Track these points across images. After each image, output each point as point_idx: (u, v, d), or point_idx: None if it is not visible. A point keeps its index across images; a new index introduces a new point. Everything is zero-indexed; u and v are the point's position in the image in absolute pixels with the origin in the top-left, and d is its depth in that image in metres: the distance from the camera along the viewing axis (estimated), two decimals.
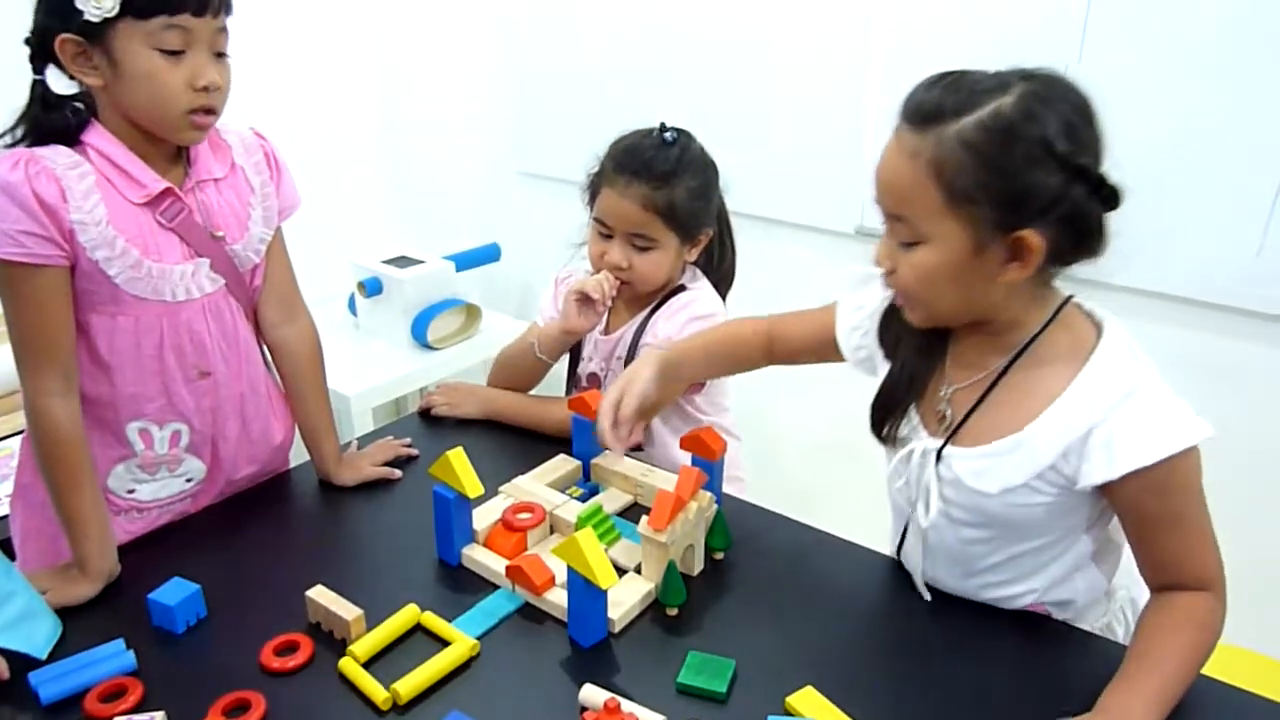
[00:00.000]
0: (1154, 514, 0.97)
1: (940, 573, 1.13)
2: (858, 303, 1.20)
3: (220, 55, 1.15)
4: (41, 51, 1.11)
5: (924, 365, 1.09)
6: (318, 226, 2.50)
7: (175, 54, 1.10)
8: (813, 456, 2.50)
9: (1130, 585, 1.13)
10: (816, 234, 2.27)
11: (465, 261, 2.66)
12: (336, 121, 2.67)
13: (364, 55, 2.74)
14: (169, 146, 1.19)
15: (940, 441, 1.05)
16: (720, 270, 1.60)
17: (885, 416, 1.11)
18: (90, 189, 1.12)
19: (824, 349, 1.25)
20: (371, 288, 2.45)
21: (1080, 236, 0.91)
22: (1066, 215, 0.89)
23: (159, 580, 1.11)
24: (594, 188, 1.49)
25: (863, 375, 1.21)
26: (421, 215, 2.91)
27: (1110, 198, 0.89)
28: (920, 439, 1.07)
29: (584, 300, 1.46)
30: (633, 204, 1.42)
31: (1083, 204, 0.88)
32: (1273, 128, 1.60)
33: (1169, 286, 1.79)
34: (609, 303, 1.46)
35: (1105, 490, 0.97)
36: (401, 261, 2.49)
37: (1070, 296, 1.01)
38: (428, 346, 2.46)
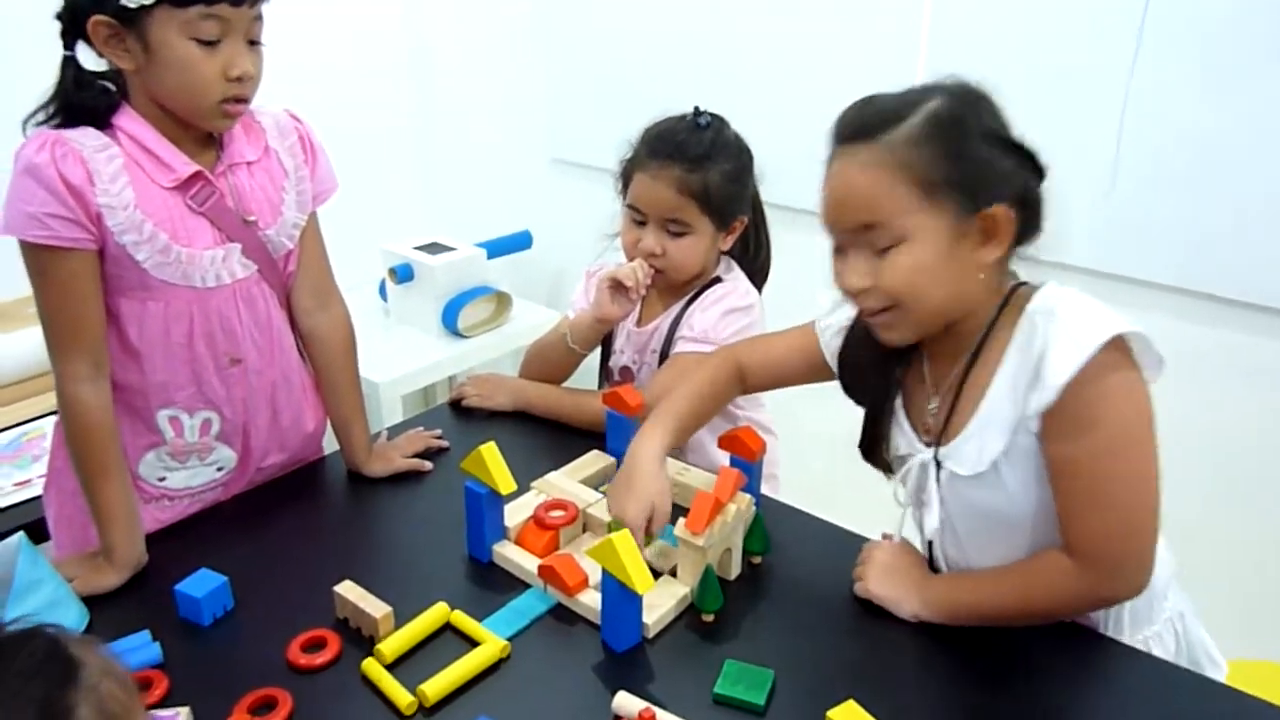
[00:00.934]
0: (1067, 456, 0.95)
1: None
2: (834, 325, 1.23)
3: (254, 43, 1.13)
4: (73, 28, 1.09)
5: (885, 391, 1.13)
6: (349, 212, 2.48)
7: (211, 43, 1.08)
8: (846, 452, 2.45)
9: (1179, 599, 1.08)
10: None
11: (496, 249, 2.63)
12: (369, 106, 2.65)
13: (398, 39, 2.71)
14: (200, 130, 1.17)
15: (931, 452, 1.07)
16: (756, 262, 1.57)
17: (871, 448, 1.17)
18: (118, 172, 1.10)
19: (813, 371, 1.27)
20: (402, 274, 2.43)
21: (1031, 212, 0.97)
22: (1019, 191, 0.95)
23: (187, 570, 1.10)
24: (627, 174, 1.46)
25: None
26: (454, 202, 2.88)
27: (1041, 171, 0.96)
28: (918, 453, 1.09)
29: (617, 287, 1.42)
30: (666, 187, 1.38)
31: (1029, 180, 0.96)
32: None
33: (1207, 285, 1.71)
34: (643, 291, 1.43)
35: (1043, 440, 0.97)
36: (433, 248, 2.47)
37: (1019, 285, 1.02)
38: (458, 334, 2.43)
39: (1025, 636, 1.04)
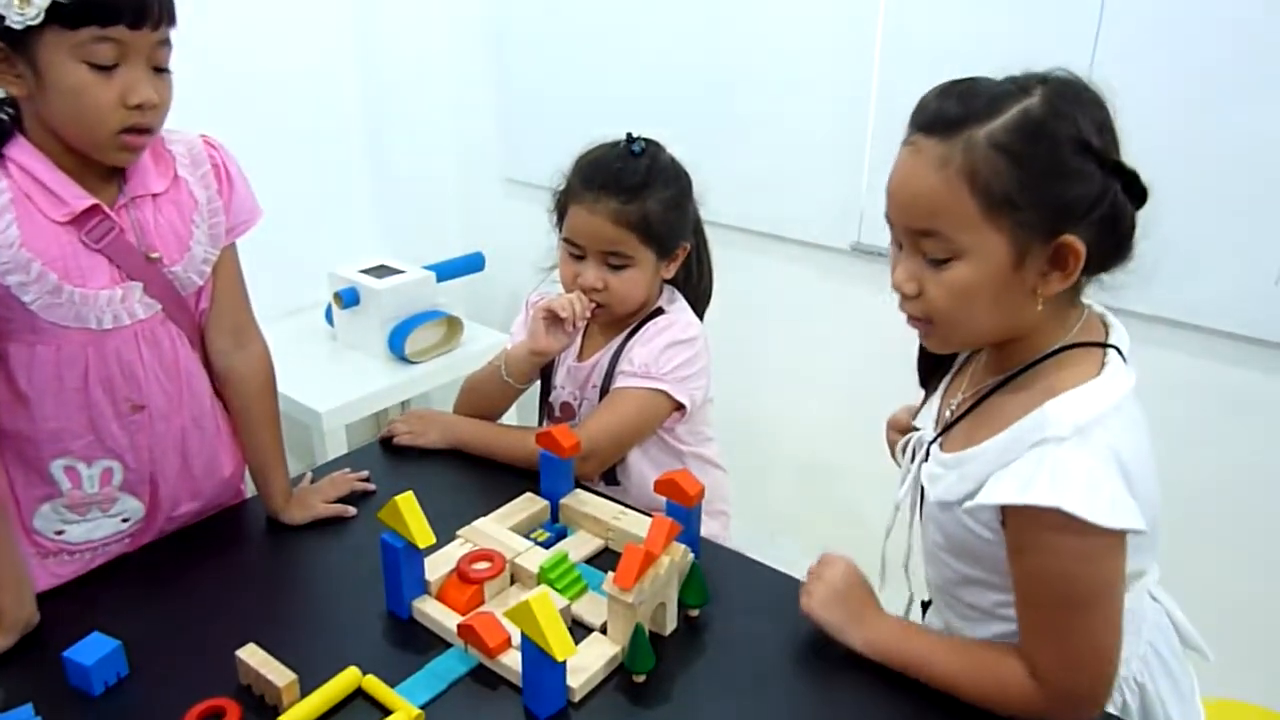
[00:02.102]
0: (1020, 579, 0.90)
1: (929, 590, 1.10)
2: None
3: (160, 70, 1.05)
4: None
5: (938, 364, 1.08)
6: (296, 234, 2.42)
7: (107, 69, 1.00)
8: (805, 476, 2.40)
9: (1144, 669, 1.03)
10: (812, 249, 2.18)
11: (447, 271, 2.56)
12: (316, 125, 2.56)
13: (346, 56, 2.63)
14: (101, 163, 1.09)
15: (932, 435, 1.03)
16: (699, 287, 1.51)
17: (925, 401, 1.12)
18: (4, 207, 1.02)
19: None
20: (348, 298, 2.35)
21: (1117, 238, 0.87)
22: (1106, 215, 0.84)
23: (82, 632, 1.01)
24: (561, 206, 1.39)
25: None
26: (404, 223, 2.80)
27: (1141, 194, 0.86)
28: (925, 432, 1.05)
29: (553, 319, 1.36)
30: (604, 220, 1.32)
31: (1119, 203, 0.85)
32: None
33: (1184, 314, 1.69)
34: (580, 324, 1.36)
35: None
36: (380, 271, 2.39)
37: (1097, 343, 0.92)
38: (406, 360, 2.36)
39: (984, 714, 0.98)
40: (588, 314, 1.36)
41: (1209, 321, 1.68)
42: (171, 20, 1.04)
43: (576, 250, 1.36)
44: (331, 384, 2.23)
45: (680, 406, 1.37)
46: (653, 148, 1.37)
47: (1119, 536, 0.85)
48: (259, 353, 1.29)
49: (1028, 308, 0.89)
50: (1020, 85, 0.86)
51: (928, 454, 1.03)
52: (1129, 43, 1.61)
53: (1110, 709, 1.01)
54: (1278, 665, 1.72)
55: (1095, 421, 0.85)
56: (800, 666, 1.04)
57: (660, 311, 1.42)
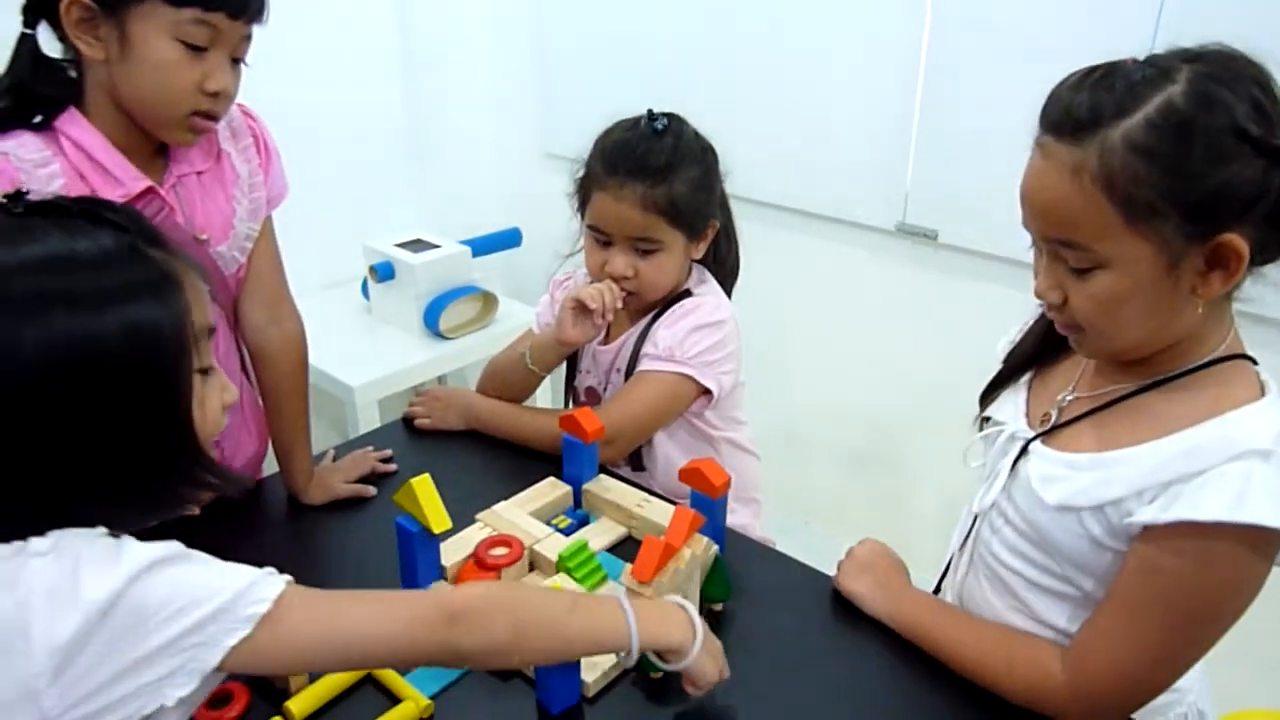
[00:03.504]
0: (1140, 591, 0.84)
1: (977, 585, 1.02)
2: None
3: (237, 61, 1.05)
4: (40, 4, 0.99)
5: (1026, 358, 1.02)
6: (332, 208, 2.40)
7: (196, 50, 0.99)
8: (843, 464, 2.35)
9: (1201, 695, 0.97)
10: (855, 229, 2.11)
11: (483, 246, 2.53)
12: (354, 97, 2.54)
13: (385, 26, 2.60)
14: (155, 140, 1.07)
15: (1032, 434, 0.95)
16: (727, 264, 1.45)
17: (985, 398, 1.06)
18: (58, 192, 1.00)
19: None
20: (383, 272, 2.33)
21: None
22: (1272, 207, 0.75)
23: None
24: (584, 192, 1.33)
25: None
26: (441, 197, 2.78)
27: None
28: (1017, 424, 0.98)
29: (581, 309, 1.31)
30: (631, 206, 1.26)
31: None
32: None
33: None
34: (609, 315, 1.31)
35: (1137, 539, 0.84)
36: (416, 245, 2.37)
37: (1248, 357, 0.86)
38: (440, 335, 2.34)
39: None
40: (618, 304, 1.31)
41: None
42: (264, 18, 1.04)
43: (603, 237, 1.31)
44: (365, 359, 2.22)
45: (707, 391, 1.32)
46: (675, 124, 1.30)
47: None
48: (294, 330, 1.27)
49: (1187, 311, 0.81)
50: (1162, 69, 0.75)
51: (1025, 450, 0.95)
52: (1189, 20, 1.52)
53: None
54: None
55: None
56: (822, 664, 1.00)
57: (687, 294, 1.37)
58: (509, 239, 2.63)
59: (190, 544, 1.16)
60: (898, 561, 1.10)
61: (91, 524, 0.65)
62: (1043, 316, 1.00)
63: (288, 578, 0.71)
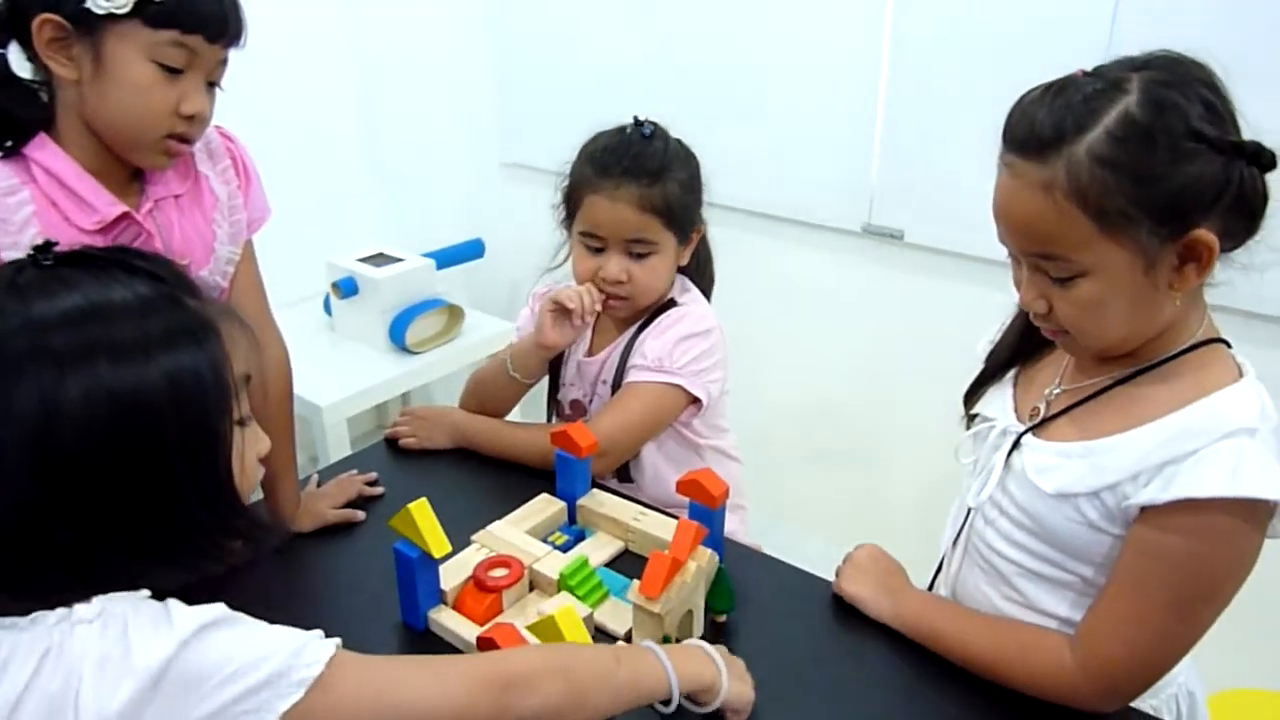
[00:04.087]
0: (1143, 571, 0.86)
1: (973, 580, 1.04)
2: None
3: (212, 85, 1.03)
4: (11, 24, 0.96)
5: (1009, 356, 1.05)
6: (291, 223, 2.34)
7: (173, 72, 0.97)
8: (815, 464, 2.36)
9: (1190, 676, 0.99)
10: (822, 231, 2.13)
11: (446, 259, 2.51)
12: (311, 111, 2.49)
13: (341, 39, 2.56)
14: (129, 164, 1.04)
15: (1023, 428, 0.97)
16: (706, 273, 1.46)
17: (969, 397, 1.08)
18: (27, 220, 0.97)
19: None
20: (346, 288, 2.29)
21: (1249, 216, 0.82)
22: (1234, 199, 0.79)
23: None
24: (573, 200, 1.33)
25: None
26: (401, 210, 2.74)
27: (1270, 160, 0.79)
28: (1007, 419, 1.00)
29: (561, 312, 1.31)
30: (627, 206, 1.26)
31: (1246, 180, 0.79)
32: None
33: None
34: (589, 318, 1.31)
35: (1136, 521, 0.87)
36: (378, 260, 2.34)
37: (1223, 340, 0.90)
38: (407, 350, 2.31)
39: (1019, 716, 0.94)
40: (598, 307, 1.31)
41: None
42: (242, 42, 1.02)
43: (596, 243, 1.31)
44: (331, 377, 2.18)
45: (696, 400, 1.33)
46: (661, 129, 1.32)
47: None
48: (279, 355, 1.24)
49: (1166, 305, 0.84)
50: (1112, 81, 0.79)
51: (1018, 443, 0.97)
52: (1143, 21, 1.56)
53: (1169, 719, 0.98)
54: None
55: (1270, 418, 0.84)
56: (829, 668, 1.01)
57: (673, 303, 1.37)
58: (472, 250, 2.61)
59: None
60: (896, 564, 1.11)
61: (133, 581, 0.64)
62: (1021, 315, 1.03)
63: (337, 640, 0.69)
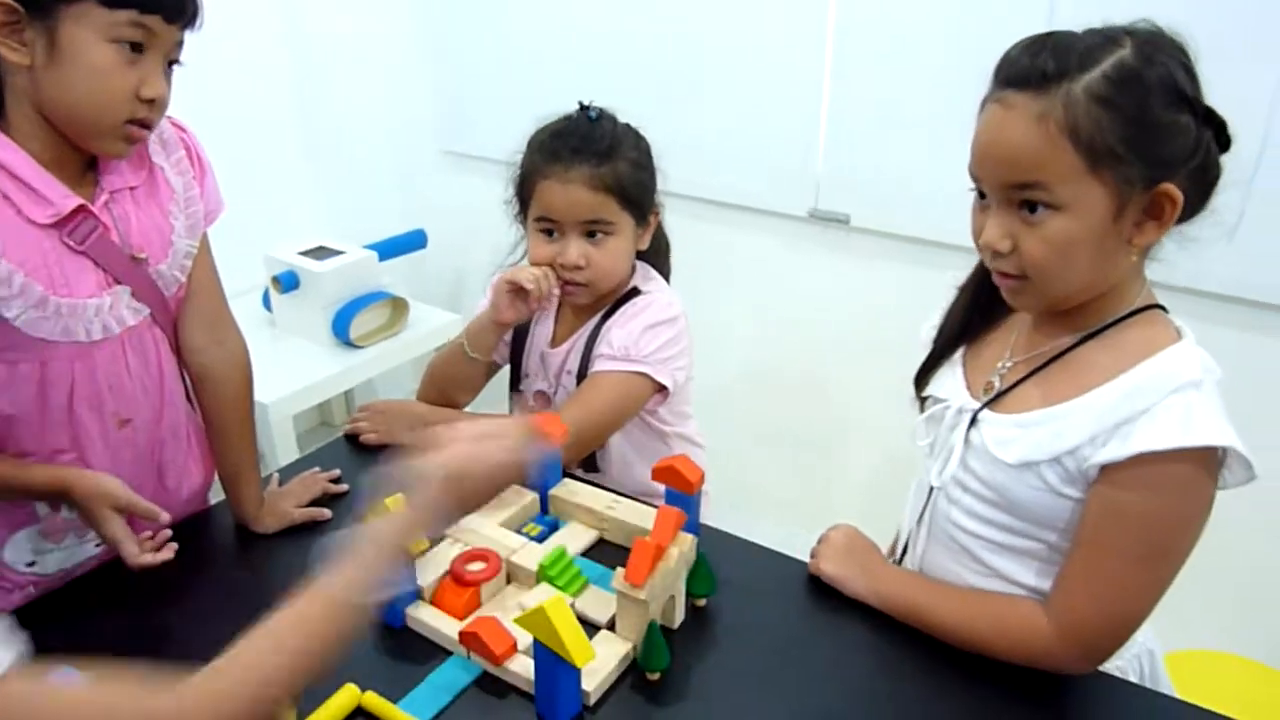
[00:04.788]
0: (1107, 529, 0.90)
1: (940, 557, 1.07)
2: None
3: (172, 64, 0.99)
4: None
5: (957, 334, 1.07)
6: (227, 216, 2.28)
7: (134, 48, 0.93)
8: (766, 447, 2.39)
9: (1149, 636, 1.04)
10: (769, 217, 2.15)
11: (389, 250, 2.47)
12: (245, 100, 2.42)
13: (273, 24, 2.49)
14: (84, 155, 1.00)
15: (979, 404, 1.00)
16: (667, 262, 1.47)
17: (920, 379, 1.10)
18: None
19: None
20: (287, 282, 2.24)
21: (1205, 186, 0.87)
22: (1199, 164, 0.84)
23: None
24: (525, 189, 1.32)
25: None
26: (341, 202, 2.69)
27: (1227, 140, 0.86)
28: (961, 398, 1.03)
29: (517, 291, 1.30)
30: (580, 187, 1.26)
31: (1211, 150, 0.85)
32: None
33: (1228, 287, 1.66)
34: (546, 303, 1.32)
35: (1096, 481, 0.90)
36: (319, 253, 2.29)
37: (1159, 306, 0.95)
38: (351, 344, 2.26)
39: (997, 684, 0.97)
40: (555, 291, 1.31)
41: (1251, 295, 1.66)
42: (198, 23, 0.99)
43: (551, 226, 1.30)
44: (274, 373, 2.13)
45: (662, 388, 1.33)
46: (607, 113, 1.32)
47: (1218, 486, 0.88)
48: (238, 350, 1.21)
49: (1122, 259, 0.89)
50: (1109, 36, 0.84)
51: (974, 420, 1.00)
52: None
53: (1134, 678, 1.02)
54: (1233, 612, 1.77)
55: (1213, 371, 0.89)
56: (810, 647, 1.02)
57: (636, 291, 1.37)
58: (414, 241, 2.57)
59: (141, 582, 1.10)
60: (870, 542, 1.13)
61: None
62: (961, 296, 1.07)
63: (20, 651, 0.62)
